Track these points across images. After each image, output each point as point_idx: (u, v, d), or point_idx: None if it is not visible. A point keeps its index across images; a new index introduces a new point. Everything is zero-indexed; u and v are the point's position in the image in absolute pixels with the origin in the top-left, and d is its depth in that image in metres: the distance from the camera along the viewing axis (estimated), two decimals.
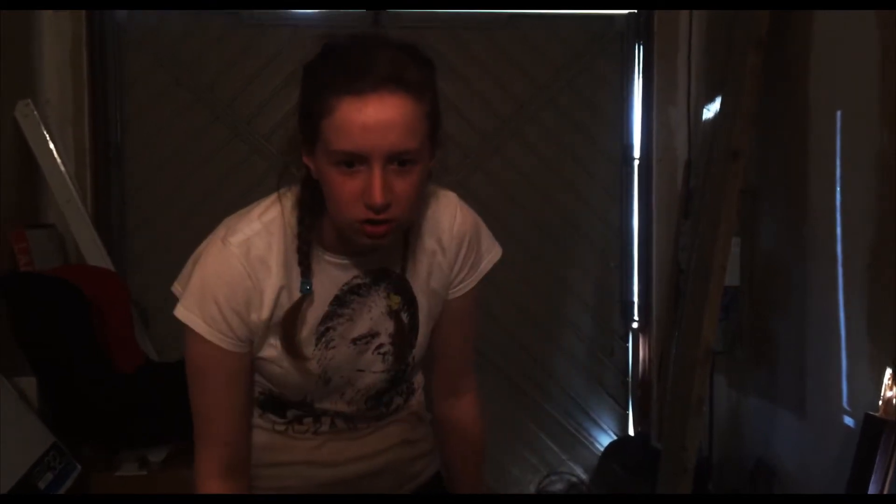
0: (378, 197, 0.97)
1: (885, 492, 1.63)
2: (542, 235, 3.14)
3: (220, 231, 1.11)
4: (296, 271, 1.09)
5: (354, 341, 1.15)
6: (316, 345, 1.12)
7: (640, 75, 3.09)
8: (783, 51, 2.24)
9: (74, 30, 2.84)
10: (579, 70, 3.11)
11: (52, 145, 2.60)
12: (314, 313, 1.11)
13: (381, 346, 1.16)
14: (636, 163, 3.13)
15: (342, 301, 1.12)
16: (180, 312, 1.12)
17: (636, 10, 3.07)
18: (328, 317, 1.12)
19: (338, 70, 0.98)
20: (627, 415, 3.22)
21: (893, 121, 1.74)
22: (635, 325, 3.18)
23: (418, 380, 1.30)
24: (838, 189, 1.97)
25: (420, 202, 1.10)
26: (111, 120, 2.98)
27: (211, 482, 1.13)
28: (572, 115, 3.12)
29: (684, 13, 2.97)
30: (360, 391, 1.18)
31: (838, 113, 1.97)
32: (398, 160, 0.98)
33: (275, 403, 1.19)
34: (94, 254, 2.62)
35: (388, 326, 1.16)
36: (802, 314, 2.16)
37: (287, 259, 1.09)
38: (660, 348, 3.04)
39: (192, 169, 3.02)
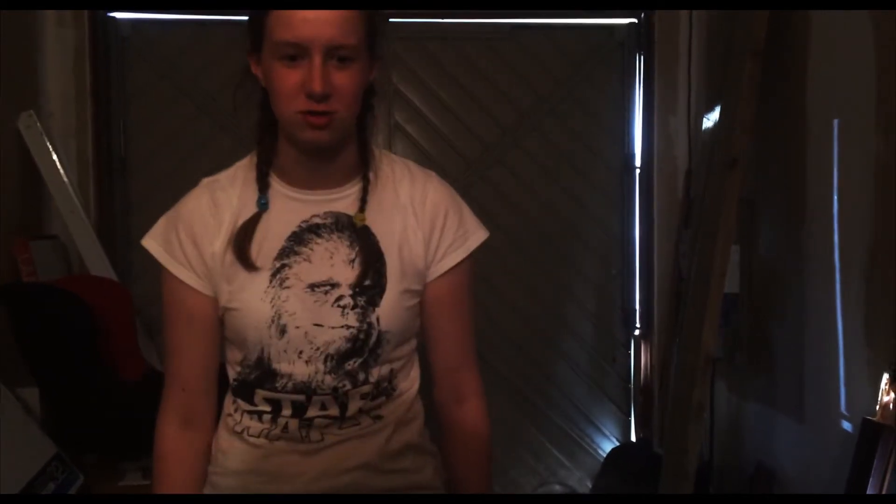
0: (318, 85, 1.02)
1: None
2: (543, 243, 3.15)
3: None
4: (254, 193, 1.15)
5: (312, 287, 1.10)
6: (270, 281, 1.10)
7: (641, 85, 3.11)
8: (781, 60, 2.25)
9: (78, 41, 2.86)
10: (580, 80, 3.13)
11: (55, 156, 2.62)
12: (269, 245, 1.12)
13: (340, 297, 1.10)
14: (637, 172, 3.14)
15: (299, 238, 1.12)
16: (146, 241, 1.19)
17: (636, 21, 3.09)
18: (284, 252, 1.11)
19: None
20: (630, 421, 3.22)
21: (891, 130, 1.75)
22: (637, 332, 3.19)
23: (406, 387, 1.20)
24: (836, 197, 1.98)
25: (368, 140, 1.17)
26: (114, 131, 3.00)
27: (168, 429, 1.19)
28: (573, 125, 3.14)
29: (684, 23, 2.99)
30: (318, 349, 1.10)
31: (836, 122, 1.98)
32: (337, 55, 1.04)
33: (244, 387, 1.15)
34: (98, 264, 2.64)
35: (348, 276, 1.10)
36: (801, 320, 2.17)
37: (248, 187, 1.17)
38: (661, 355, 3.05)
39: (195, 179, 2.97)
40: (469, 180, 3.09)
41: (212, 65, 3.02)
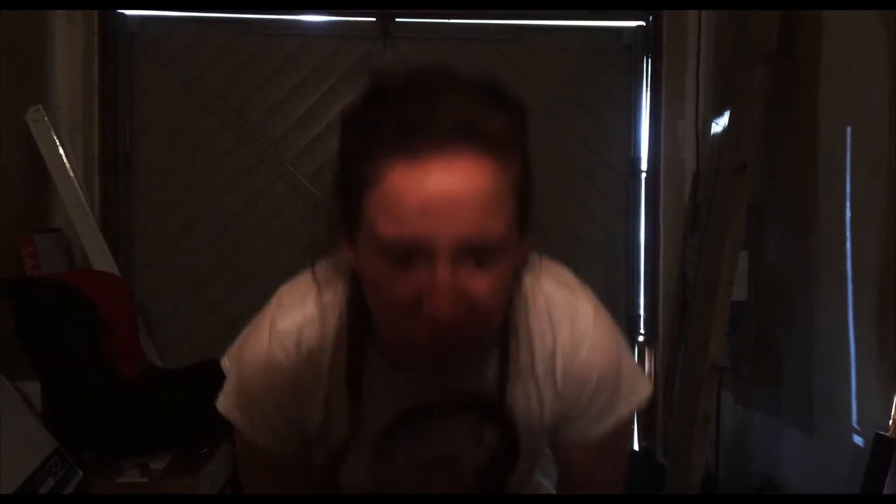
0: (444, 307, 0.68)
1: None
2: (547, 248, 3.12)
3: (273, 306, 0.89)
4: (344, 388, 0.84)
5: (428, 465, 0.89)
6: (373, 458, 0.88)
7: (648, 88, 3.09)
8: (792, 65, 2.23)
9: (86, 37, 2.86)
10: (587, 82, 3.11)
11: (61, 150, 2.61)
12: (369, 432, 0.87)
13: (460, 474, 0.89)
14: (643, 176, 3.12)
15: (406, 421, 0.86)
16: (222, 406, 0.91)
17: (644, 23, 3.07)
18: (387, 435, 0.86)
19: (386, 119, 0.69)
20: (633, 429, 3.20)
21: None
22: (641, 338, 3.16)
23: (535, 484, 1.03)
24: (848, 204, 1.96)
25: (513, 303, 0.82)
26: (120, 126, 2.99)
27: None
28: (579, 128, 3.12)
29: (692, 26, 2.97)
30: None
31: (848, 128, 1.96)
32: (475, 252, 0.69)
33: None
34: (101, 259, 2.63)
35: (471, 455, 0.87)
36: (810, 330, 2.14)
37: (337, 364, 0.85)
38: (666, 362, 3.02)
39: (199, 176, 3.03)
40: None
41: (217, 63, 3.01)
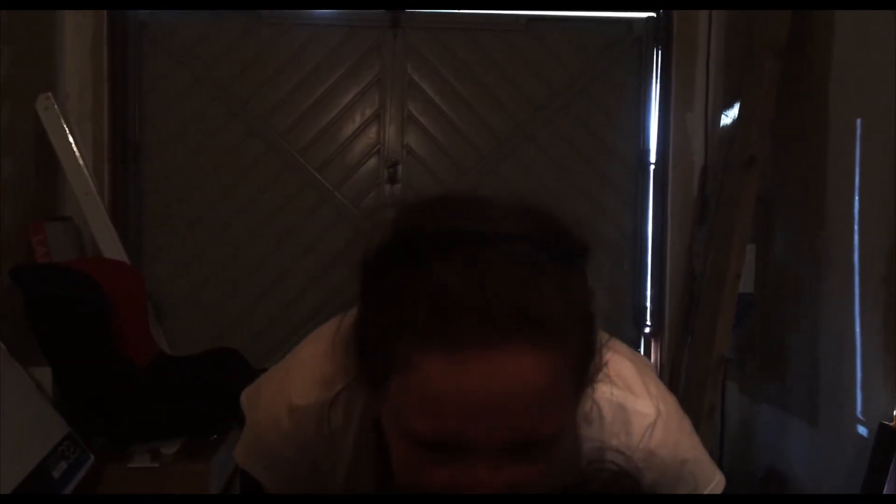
0: (478, 493, 0.59)
1: None
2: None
3: (296, 366, 0.82)
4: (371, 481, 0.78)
5: None
6: None
7: (658, 80, 3.08)
8: (803, 58, 2.23)
9: (96, 26, 2.86)
10: (596, 74, 3.11)
11: (71, 139, 2.62)
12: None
13: None
14: (652, 168, 3.12)
15: None
16: (238, 456, 0.86)
17: (655, 15, 3.07)
18: None
19: (418, 296, 0.58)
20: None
21: None
22: (647, 330, 3.17)
23: None
24: (857, 198, 1.96)
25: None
26: (129, 115, 3.00)
27: None
28: (588, 119, 3.12)
29: (703, 19, 2.96)
30: None
31: (858, 121, 1.96)
32: (519, 447, 0.60)
33: None
34: (111, 247, 2.64)
35: None
36: (817, 322, 2.15)
37: (361, 461, 0.79)
38: (672, 354, 3.03)
39: (208, 165, 3.04)
40: (481, 173, 3.08)
41: (227, 53, 3.02)
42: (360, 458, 0.77)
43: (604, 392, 0.74)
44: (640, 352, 3.18)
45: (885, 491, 1.63)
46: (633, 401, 0.77)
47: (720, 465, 2.83)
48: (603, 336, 0.70)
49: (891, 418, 1.72)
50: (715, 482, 0.84)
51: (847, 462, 1.93)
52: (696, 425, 2.36)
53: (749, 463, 2.60)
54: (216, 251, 3.05)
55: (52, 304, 2.15)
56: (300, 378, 0.78)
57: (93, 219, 2.64)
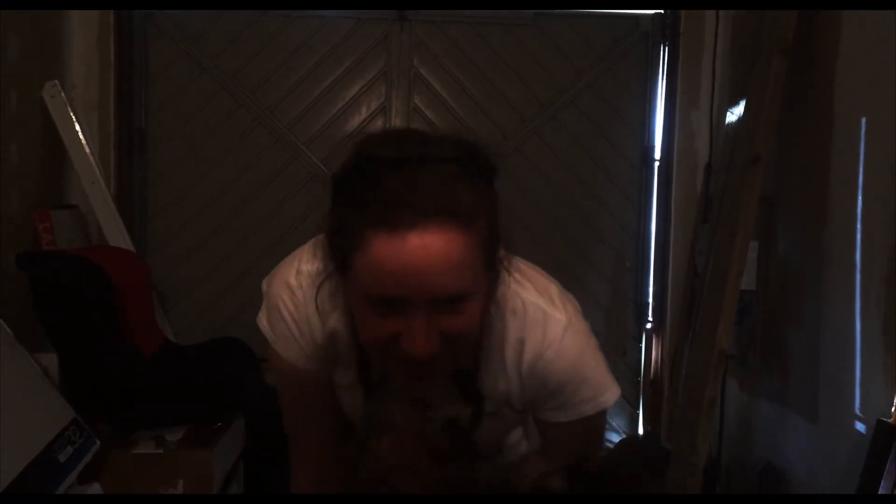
0: (420, 349, 0.82)
1: None
2: (558, 234, 3.15)
3: (305, 248, 1.04)
4: (353, 348, 1.01)
5: (414, 400, 1.05)
6: (369, 398, 1.05)
7: (664, 77, 3.09)
8: (809, 57, 2.24)
9: (102, 16, 2.88)
10: (602, 70, 3.11)
11: (77, 127, 2.64)
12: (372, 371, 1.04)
13: (433, 420, 1.04)
14: (656, 165, 3.13)
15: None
16: (259, 322, 1.08)
17: (662, 12, 3.08)
18: (380, 382, 1.04)
19: (371, 195, 0.81)
20: (638, 414, 3.23)
21: None
22: (649, 325, 3.18)
23: (518, 438, 1.15)
24: (860, 197, 1.97)
25: (486, 308, 0.93)
26: (136, 104, 3.01)
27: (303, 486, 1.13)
28: (593, 115, 3.13)
29: (710, 17, 2.97)
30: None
31: (863, 120, 1.97)
32: (446, 301, 0.83)
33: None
34: (116, 235, 2.66)
35: (446, 406, 1.02)
36: (818, 320, 2.16)
37: (345, 325, 1.01)
38: (672, 350, 3.05)
39: (214, 155, 3.05)
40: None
41: (234, 42, 3.03)
42: (342, 334, 1.00)
43: (529, 296, 0.99)
44: (641, 349, 3.20)
45: (882, 488, 1.65)
46: (551, 309, 1.00)
47: (719, 460, 2.85)
48: (518, 261, 0.98)
49: (889, 415, 1.73)
50: (611, 391, 1.03)
51: (845, 458, 1.95)
52: (696, 419, 2.38)
53: (748, 457, 2.61)
54: (221, 240, 3.07)
55: (57, 291, 2.17)
56: (303, 256, 1.02)
57: (99, 207, 2.65)
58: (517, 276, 1.00)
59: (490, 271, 0.90)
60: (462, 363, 0.98)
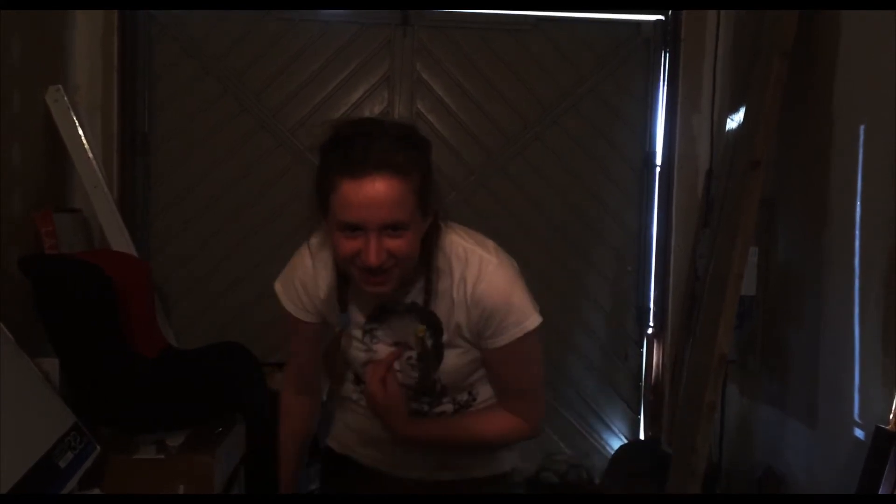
0: (372, 259, 1.20)
1: None
2: (560, 238, 3.16)
3: (314, 236, 1.41)
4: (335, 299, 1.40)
5: (395, 344, 1.39)
6: (362, 337, 1.41)
7: (665, 82, 3.09)
8: (808, 62, 2.24)
9: (106, 18, 2.88)
10: (604, 75, 3.12)
11: (80, 131, 2.64)
12: (358, 319, 1.40)
13: (410, 357, 1.39)
14: (657, 169, 3.14)
15: (378, 317, 1.39)
16: (276, 286, 1.48)
17: (663, 17, 3.08)
18: (370, 320, 1.39)
19: (341, 156, 1.20)
20: (639, 419, 3.23)
21: None
22: (650, 330, 3.19)
23: (489, 393, 1.45)
24: (859, 202, 1.97)
25: (432, 253, 1.32)
26: (139, 107, 3.02)
27: (288, 395, 1.57)
28: (595, 120, 3.14)
29: (711, 21, 2.97)
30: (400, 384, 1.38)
31: (861, 127, 1.97)
32: (390, 227, 1.20)
33: (357, 378, 1.49)
34: (119, 239, 2.66)
35: (416, 345, 1.37)
36: (817, 325, 2.16)
37: (331, 283, 1.40)
38: (673, 354, 3.05)
39: (217, 158, 3.06)
40: (488, 171, 3.09)
41: (237, 46, 3.04)
42: (330, 280, 1.39)
43: (469, 245, 1.35)
44: (642, 353, 3.20)
45: (880, 493, 1.65)
46: (486, 254, 1.34)
47: (719, 464, 2.85)
48: (462, 227, 1.39)
49: (887, 422, 1.73)
50: (533, 317, 1.35)
51: (843, 464, 1.95)
52: (696, 423, 2.38)
53: (747, 462, 2.61)
54: (222, 241, 3.08)
55: (60, 295, 2.17)
56: (314, 239, 1.41)
57: (101, 211, 2.66)
58: (462, 232, 1.37)
59: (423, 213, 1.26)
60: (420, 301, 1.34)
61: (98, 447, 1.95)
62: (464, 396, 1.44)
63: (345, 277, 1.34)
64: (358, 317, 1.39)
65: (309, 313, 1.44)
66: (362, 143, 1.19)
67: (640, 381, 3.22)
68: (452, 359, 1.38)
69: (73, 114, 2.63)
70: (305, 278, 1.41)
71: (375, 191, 1.17)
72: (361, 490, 1.51)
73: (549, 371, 3.12)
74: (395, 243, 1.21)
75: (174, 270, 3.05)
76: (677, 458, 2.48)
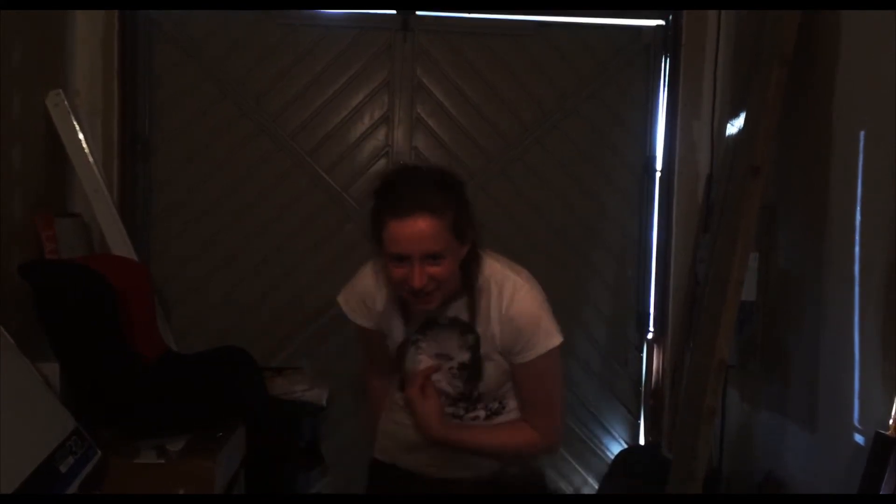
0: (416, 283, 1.46)
1: None
2: (561, 242, 3.16)
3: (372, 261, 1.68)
4: (396, 312, 1.65)
5: (436, 356, 1.63)
6: (409, 346, 1.65)
7: (665, 88, 3.10)
8: (808, 69, 2.25)
9: (106, 22, 2.88)
10: (605, 80, 3.12)
11: (80, 136, 2.64)
12: (410, 328, 1.64)
13: (452, 367, 1.63)
14: (658, 174, 3.14)
15: (424, 329, 1.63)
16: (340, 298, 1.72)
17: (664, 23, 3.09)
18: (418, 332, 1.64)
19: (388, 200, 1.48)
20: (639, 423, 3.23)
21: None
22: (650, 335, 3.19)
23: (516, 406, 1.67)
24: (858, 208, 1.98)
25: (473, 275, 1.57)
26: (139, 112, 3.02)
27: (371, 378, 1.84)
28: (596, 125, 3.14)
29: (712, 27, 2.98)
30: (440, 391, 1.62)
31: (861, 133, 1.98)
32: (430, 257, 1.46)
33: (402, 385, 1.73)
34: (119, 244, 2.66)
35: (458, 355, 1.62)
36: (817, 331, 2.17)
37: (387, 299, 1.65)
38: (674, 359, 3.05)
39: (217, 163, 3.06)
40: (488, 176, 3.10)
41: (238, 51, 3.04)
42: (387, 297, 1.65)
43: (506, 271, 1.59)
44: (642, 358, 3.20)
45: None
46: (519, 279, 1.59)
47: (719, 468, 2.86)
48: (500, 256, 1.64)
49: (887, 427, 1.73)
50: (557, 337, 1.57)
51: (843, 469, 1.95)
52: (697, 428, 2.38)
53: (748, 467, 2.61)
54: (222, 248, 3.08)
55: (60, 300, 2.17)
56: (372, 262, 1.67)
57: (102, 216, 2.66)
58: (499, 259, 1.62)
59: (460, 242, 1.51)
60: (463, 316, 1.59)
61: (99, 452, 1.94)
62: (495, 405, 1.66)
63: (401, 299, 1.60)
64: (409, 329, 1.64)
65: (368, 321, 1.68)
66: (404, 189, 1.46)
67: (641, 385, 3.22)
68: (489, 369, 1.60)
69: (73, 118, 2.63)
70: (365, 294, 1.67)
71: (416, 228, 1.43)
72: (405, 490, 1.72)
73: None
74: (435, 270, 1.46)
75: (174, 274, 3.05)
76: (678, 463, 2.48)
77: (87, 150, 2.65)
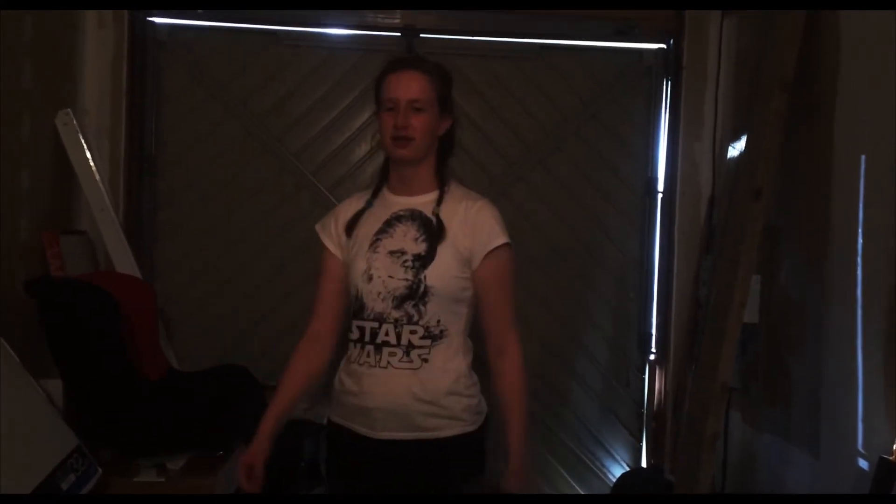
0: (401, 120, 1.71)
1: None
2: (563, 263, 3.16)
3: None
4: (369, 211, 1.83)
5: (391, 253, 1.75)
6: (368, 248, 1.77)
7: (667, 110, 3.12)
8: (809, 92, 2.26)
9: (116, 43, 2.93)
10: (607, 102, 3.14)
11: (88, 154, 2.67)
12: (372, 227, 1.79)
13: (406, 260, 1.74)
14: (659, 196, 3.15)
15: (389, 223, 1.78)
16: (317, 226, 1.91)
17: (665, 46, 3.12)
18: (380, 231, 1.78)
19: (390, 64, 1.78)
20: (641, 446, 3.22)
21: None
22: (652, 356, 3.18)
23: (449, 343, 1.75)
24: (860, 231, 1.98)
25: (445, 173, 1.83)
26: (146, 131, 3.05)
27: (300, 342, 1.86)
28: (598, 146, 3.16)
29: (713, 50, 3.00)
30: (389, 292, 1.73)
31: (862, 157, 1.99)
32: (414, 106, 1.72)
33: (355, 309, 1.79)
34: (124, 262, 2.68)
35: (412, 248, 1.75)
36: (820, 354, 2.16)
37: (357, 208, 1.84)
38: (676, 381, 3.05)
39: (222, 183, 3.08)
40: (490, 196, 3.08)
41: (243, 70, 3.07)
42: (359, 202, 1.89)
43: (469, 190, 1.86)
44: (644, 379, 3.19)
45: None
46: (478, 196, 1.84)
47: (722, 491, 2.81)
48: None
49: (890, 452, 1.73)
50: (505, 237, 1.77)
51: (846, 494, 1.94)
52: (699, 452, 2.37)
53: (750, 491, 2.60)
54: (227, 266, 3.09)
55: (65, 317, 2.18)
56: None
57: (107, 234, 2.68)
58: (464, 187, 1.88)
59: (440, 111, 1.77)
60: (427, 211, 1.78)
61: (100, 470, 1.95)
62: (436, 329, 1.73)
63: (380, 181, 1.85)
64: (369, 230, 1.78)
65: (333, 242, 1.84)
66: (404, 57, 1.88)
67: (643, 407, 3.21)
68: (439, 264, 1.73)
69: (81, 137, 2.66)
70: (340, 208, 1.88)
71: (407, 76, 1.72)
72: (355, 455, 1.77)
73: (550, 396, 3.16)
74: (417, 119, 1.71)
75: (178, 293, 3.06)
76: (680, 487, 2.47)
77: (94, 169, 2.68)
